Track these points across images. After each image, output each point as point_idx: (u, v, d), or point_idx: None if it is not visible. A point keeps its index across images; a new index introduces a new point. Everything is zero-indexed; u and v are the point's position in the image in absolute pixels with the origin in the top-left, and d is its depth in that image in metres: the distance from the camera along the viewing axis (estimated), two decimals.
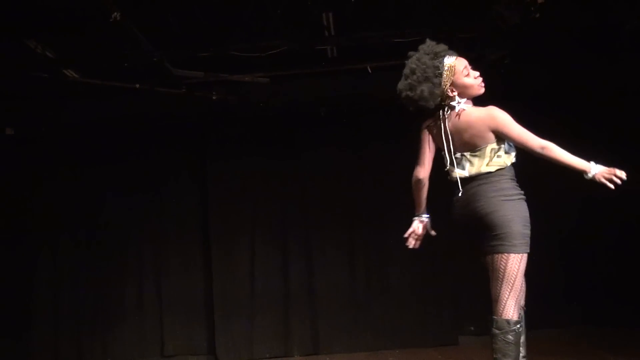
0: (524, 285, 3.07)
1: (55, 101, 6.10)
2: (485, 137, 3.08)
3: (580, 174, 2.97)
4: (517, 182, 3.11)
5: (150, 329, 6.34)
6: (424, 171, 3.30)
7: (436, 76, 3.03)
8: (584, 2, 4.79)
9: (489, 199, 3.03)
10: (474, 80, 3.10)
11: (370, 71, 5.73)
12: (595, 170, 2.94)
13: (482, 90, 3.12)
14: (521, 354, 3.06)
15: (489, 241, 3.03)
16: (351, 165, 6.35)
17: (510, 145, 3.09)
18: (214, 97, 5.89)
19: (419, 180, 3.34)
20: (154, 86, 5.63)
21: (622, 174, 2.91)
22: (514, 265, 2.97)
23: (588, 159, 3.00)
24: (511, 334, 2.94)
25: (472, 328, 6.16)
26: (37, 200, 6.41)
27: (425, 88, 3.02)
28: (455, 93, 3.09)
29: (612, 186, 2.92)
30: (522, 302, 3.14)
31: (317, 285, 6.31)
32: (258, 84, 5.70)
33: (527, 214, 3.04)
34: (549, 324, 5.93)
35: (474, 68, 3.16)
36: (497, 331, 2.96)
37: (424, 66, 3.03)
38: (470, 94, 3.12)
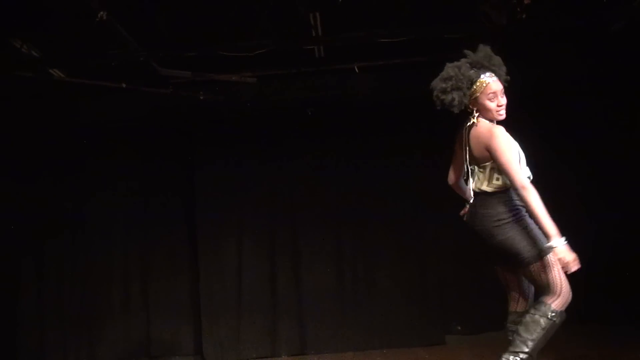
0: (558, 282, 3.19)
1: (41, 101, 6.05)
2: (484, 154, 3.23)
3: None
4: (515, 200, 3.20)
5: (137, 329, 6.31)
6: (452, 177, 3.57)
7: (468, 87, 3.21)
8: (570, 3, 4.81)
9: (484, 226, 3.22)
10: (494, 106, 3.21)
11: (357, 71, 5.73)
12: (557, 245, 3.05)
13: (500, 118, 3.25)
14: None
15: (503, 260, 3.30)
16: (338, 164, 6.36)
17: None
18: (201, 97, 5.87)
19: (451, 185, 3.61)
20: (140, 86, 5.60)
21: (574, 268, 3.06)
22: (540, 271, 3.16)
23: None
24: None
25: (459, 327, 6.19)
26: (22, 200, 6.35)
27: (456, 96, 3.18)
28: (475, 109, 3.24)
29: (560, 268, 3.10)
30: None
31: (305, 285, 6.30)
32: (245, 84, 5.69)
33: (524, 228, 3.17)
34: None
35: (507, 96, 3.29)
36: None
37: (462, 76, 3.20)
38: (486, 117, 3.25)
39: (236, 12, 4.76)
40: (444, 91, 3.21)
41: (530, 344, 3.14)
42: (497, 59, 3.30)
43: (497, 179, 3.21)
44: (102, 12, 4.25)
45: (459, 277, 6.15)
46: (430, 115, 3.39)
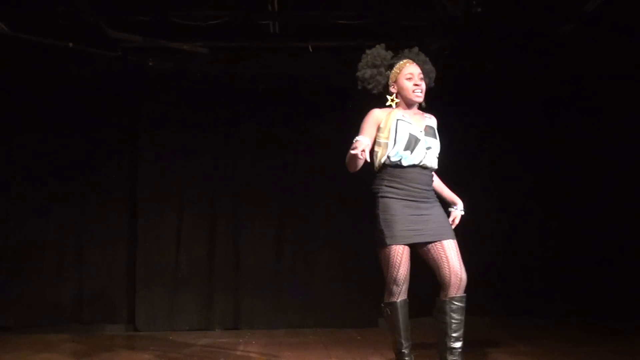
0: (392, 273, 3.23)
1: None
2: None
3: None
4: (390, 182, 3.26)
5: (69, 295, 6.19)
6: None
7: (383, 66, 3.36)
8: (524, 2, 4.90)
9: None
10: (410, 85, 3.30)
11: (311, 50, 5.72)
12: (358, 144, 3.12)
13: (415, 99, 3.31)
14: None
15: None
16: (285, 142, 6.35)
17: (382, 147, 3.28)
18: (150, 63, 5.76)
19: None
20: (88, 47, 5.45)
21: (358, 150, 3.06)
22: (378, 259, 3.30)
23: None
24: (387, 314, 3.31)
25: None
26: None
27: (368, 71, 3.35)
28: (395, 91, 3.35)
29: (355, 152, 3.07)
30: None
31: (243, 260, 6.30)
32: (197, 54, 5.60)
33: (378, 212, 3.25)
34: (469, 311, 6.14)
35: (430, 81, 3.40)
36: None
37: (377, 54, 3.38)
38: (404, 96, 3.33)
39: None
40: (360, 68, 3.39)
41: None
42: (421, 54, 3.43)
43: (376, 156, 3.32)
44: None
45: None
46: (381, 100, 3.41)
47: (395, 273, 3.21)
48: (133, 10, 4.96)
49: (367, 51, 3.41)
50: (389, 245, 3.20)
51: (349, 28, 5.13)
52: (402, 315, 3.28)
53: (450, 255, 3.20)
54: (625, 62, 5.73)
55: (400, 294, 3.27)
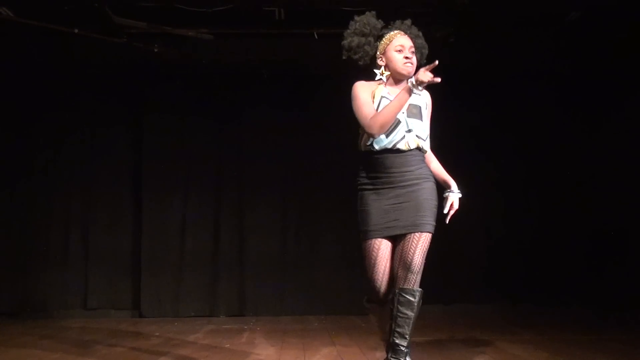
0: (369, 269, 3.02)
1: None
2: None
3: None
4: (367, 172, 3.04)
5: (74, 281, 6.23)
6: None
7: (372, 35, 3.06)
8: None
9: None
10: (400, 57, 2.99)
11: (316, 37, 5.69)
12: (414, 80, 2.81)
13: (405, 71, 2.99)
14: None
15: None
16: (290, 129, 6.35)
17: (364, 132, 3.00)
18: (155, 50, 5.74)
19: None
20: (93, 32, 5.44)
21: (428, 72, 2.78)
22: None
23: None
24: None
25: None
26: None
27: (355, 39, 3.06)
28: (383, 63, 3.06)
29: (431, 76, 2.77)
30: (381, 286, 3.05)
31: (248, 247, 6.32)
32: (202, 40, 5.58)
33: (357, 206, 3.06)
34: (469, 299, 6.17)
35: (421, 58, 3.10)
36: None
37: (365, 22, 3.08)
38: (392, 68, 3.02)
39: None
40: (346, 36, 3.09)
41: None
42: (414, 27, 3.13)
43: (361, 138, 3.06)
44: None
45: None
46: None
47: (371, 269, 3.00)
48: None
49: (356, 17, 3.11)
50: (365, 240, 3.01)
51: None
52: (381, 311, 3.05)
53: (406, 248, 2.93)
54: (632, 54, 5.69)
55: (379, 291, 3.01)
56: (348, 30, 3.10)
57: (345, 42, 3.08)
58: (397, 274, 2.95)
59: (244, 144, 6.38)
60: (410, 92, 2.83)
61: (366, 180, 3.04)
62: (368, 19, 3.09)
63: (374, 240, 2.99)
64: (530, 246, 6.25)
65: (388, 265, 3.00)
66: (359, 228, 3.04)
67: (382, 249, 2.99)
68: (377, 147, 2.97)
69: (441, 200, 3.08)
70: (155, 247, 6.25)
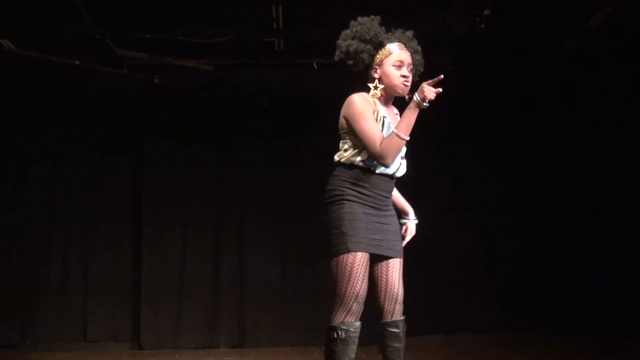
0: (355, 286, 2.79)
1: None
2: (341, 122, 2.91)
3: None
4: (355, 186, 2.83)
5: (74, 312, 6.18)
6: None
7: (372, 43, 2.85)
8: (528, 17, 4.90)
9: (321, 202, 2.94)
10: (398, 74, 2.82)
11: (315, 67, 5.73)
12: (419, 97, 2.68)
13: (401, 91, 2.85)
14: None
15: None
16: (289, 158, 6.35)
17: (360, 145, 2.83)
18: (156, 80, 5.77)
19: None
20: (94, 64, 5.48)
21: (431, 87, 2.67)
22: (333, 271, 2.82)
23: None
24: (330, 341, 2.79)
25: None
26: None
27: (354, 44, 2.85)
28: (377, 76, 2.86)
29: (435, 90, 2.67)
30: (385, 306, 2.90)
31: (248, 277, 6.29)
32: (202, 71, 5.62)
33: (342, 215, 2.81)
34: (471, 328, 6.11)
35: (415, 74, 2.94)
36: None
37: (368, 27, 2.87)
38: (388, 84, 2.85)
39: None
40: (345, 37, 2.87)
41: None
42: (414, 41, 2.97)
43: (345, 150, 2.87)
44: None
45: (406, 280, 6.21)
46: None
47: (358, 286, 2.75)
48: (139, 28, 4.98)
49: (359, 19, 2.90)
50: (353, 251, 2.75)
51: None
52: (355, 341, 2.83)
53: (390, 278, 2.84)
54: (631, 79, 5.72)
55: (359, 314, 2.80)
56: (347, 32, 2.90)
57: (342, 45, 2.88)
58: (382, 305, 2.85)
59: (244, 173, 6.38)
60: (417, 111, 2.70)
61: (356, 193, 2.83)
62: (372, 24, 2.88)
63: (363, 253, 2.78)
64: (533, 274, 6.20)
65: (367, 282, 2.81)
66: (340, 238, 2.79)
67: (367, 264, 2.79)
68: (376, 170, 2.83)
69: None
70: (155, 278, 6.21)
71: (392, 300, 2.84)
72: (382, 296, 2.85)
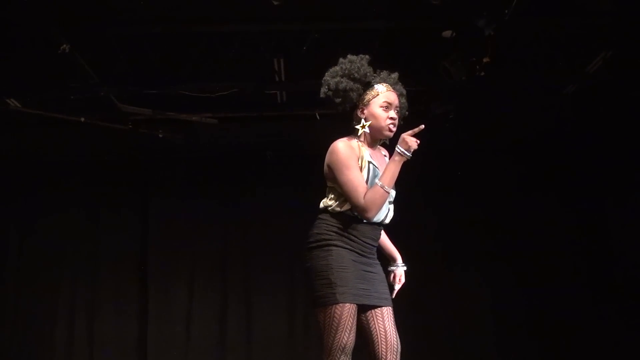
0: (343, 338, 2.70)
1: None
2: (325, 170, 2.87)
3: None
4: (343, 231, 2.75)
5: None
6: None
7: (360, 82, 2.78)
8: (527, 64, 4.96)
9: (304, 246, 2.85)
10: (385, 117, 2.75)
11: (318, 118, 5.78)
12: (402, 148, 2.64)
13: (387, 133, 2.78)
14: None
15: None
16: (294, 209, 6.33)
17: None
18: (160, 135, 5.82)
19: None
20: (99, 120, 5.54)
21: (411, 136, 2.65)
22: (320, 321, 2.75)
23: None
24: None
25: None
26: None
27: (344, 82, 2.75)
28: (363, 117, 2.78)
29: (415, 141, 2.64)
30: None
31: (255, 332, 6.21)
32: (206, 125, 5.67)
33: (329, 262, 2.71)
34: None
35: (400, 118, 2.85)
36: None
37: (358, 66, 2.79)
38: (374, 126, 2.77)
39: (200, 52, 4.78)
40: (334, 75, 2.78)
41: None
42: (399, 84, 2.90)
43: (331, 199, 2.81)
44: (65, 45, 4.22)
45: (412, 326, 6.12)
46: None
47: (346, 338, 2.65)
48: (142, 84, 5.06)
49: (349, 57, 2.81)
50: (341, 303, 2.65)
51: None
52: None
53: (388, 328, 2.74)
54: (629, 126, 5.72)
55: None
56: (337, 69, 2.80)
57: (331, 81, 2.78)
58: (384, 356, 2.72)
59: (249, 226, 6.36)
60: (401, 163, 2.65)
61: (343, 240, 2.74)
62: (361, 63, 2.79)
63: (352, 305, 2.68)
64: (539, 314, 6.11)
65: (355, 333, 2.72)
66: (327, 289, 2.69)
67: (355, 315, 2.69)
68: (363, 217, 2.74)
69: (386, 274, 2.91)
70: (162, 335, 6.14)
71: (393, 352, 2.73)
72: (384, 348, 2.74)
